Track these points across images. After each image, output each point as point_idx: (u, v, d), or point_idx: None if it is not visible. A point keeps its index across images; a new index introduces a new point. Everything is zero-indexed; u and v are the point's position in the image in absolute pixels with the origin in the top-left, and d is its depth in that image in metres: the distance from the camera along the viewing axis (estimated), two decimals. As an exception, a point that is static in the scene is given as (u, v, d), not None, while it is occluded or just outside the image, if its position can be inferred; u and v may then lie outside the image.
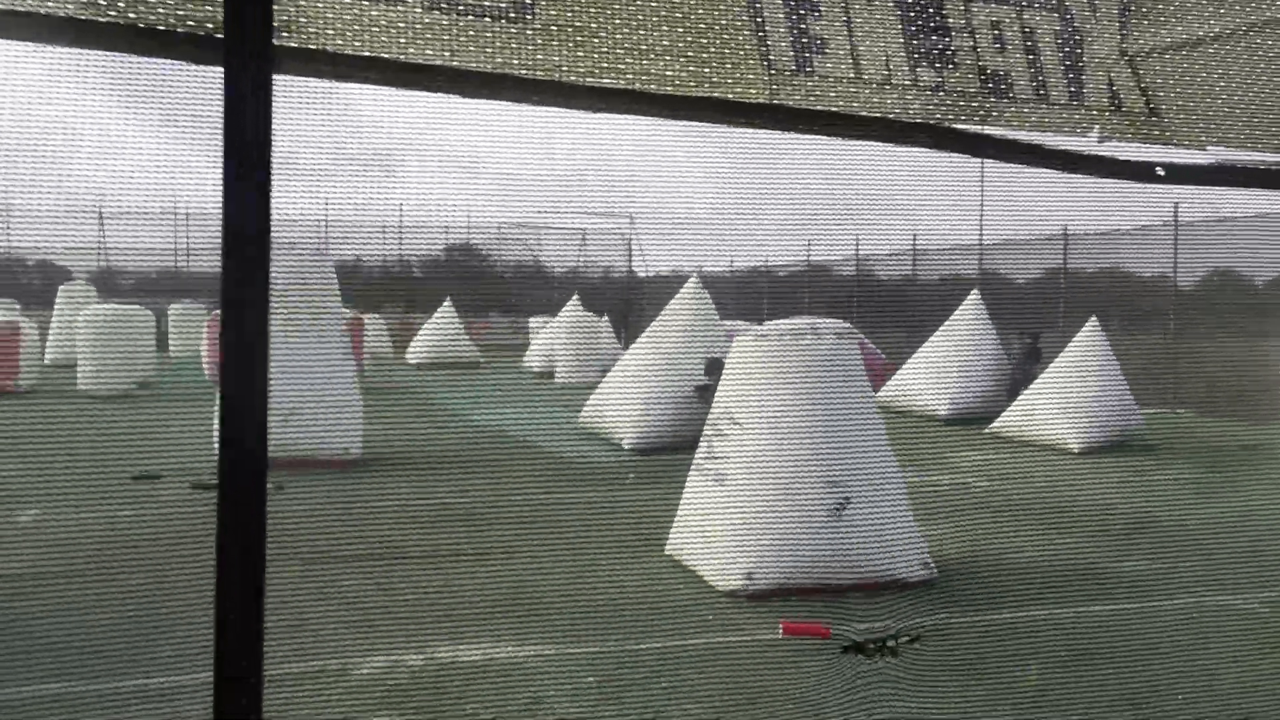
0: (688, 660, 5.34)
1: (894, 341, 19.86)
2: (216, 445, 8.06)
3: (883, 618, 6.01)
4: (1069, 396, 13.16)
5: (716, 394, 7.34)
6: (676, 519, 7.25)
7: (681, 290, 13.65)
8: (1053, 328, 17.71)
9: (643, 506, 9.29)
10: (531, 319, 30.04)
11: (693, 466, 7.21)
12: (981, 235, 21.66)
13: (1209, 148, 2.58)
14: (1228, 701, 4.89)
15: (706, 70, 2.14)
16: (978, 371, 16.31)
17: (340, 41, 2.02)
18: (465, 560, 7.19)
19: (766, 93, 2.19)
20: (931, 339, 17.43)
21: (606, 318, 25.73)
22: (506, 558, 7.30)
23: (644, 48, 2.10)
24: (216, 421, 8.23)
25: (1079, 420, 12.94)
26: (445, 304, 26.47)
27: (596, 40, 2.08)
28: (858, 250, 25.72)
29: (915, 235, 23.74)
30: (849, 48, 2.23)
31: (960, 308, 17.29)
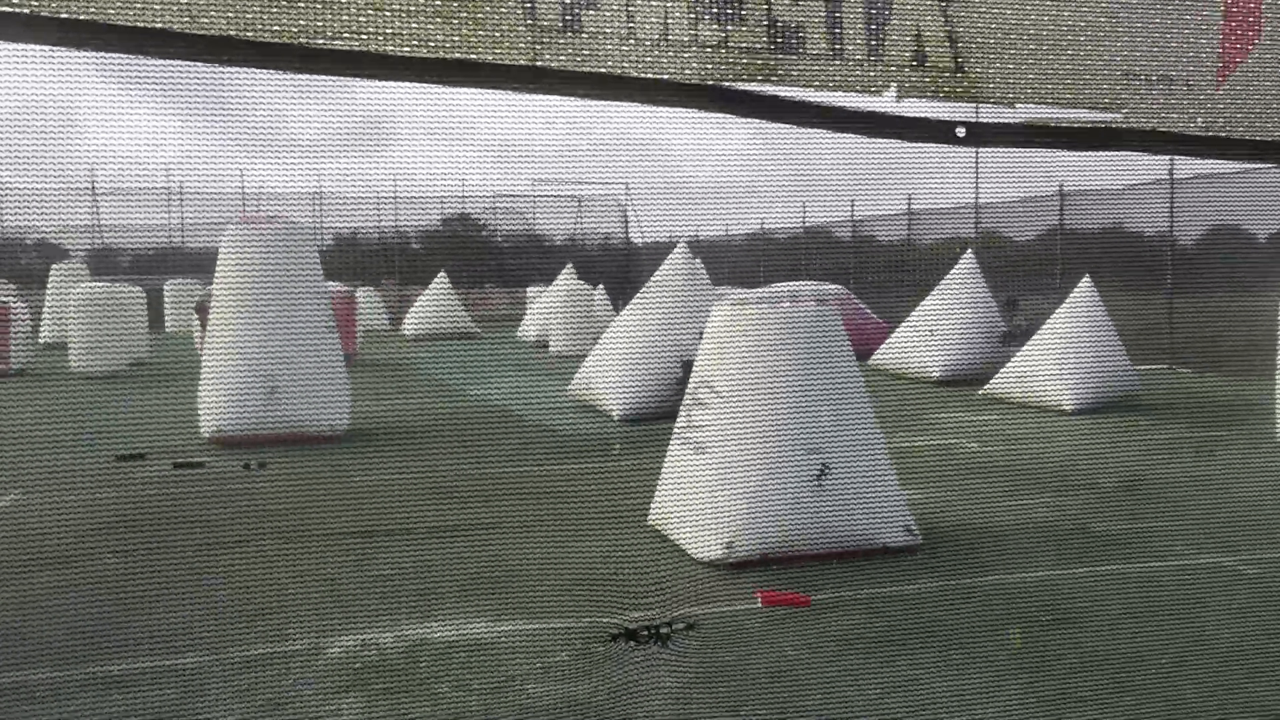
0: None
1: (892, 304, 19.74)
2: (201, 424, 8.01)
3: (860, 586, 5.94)
4: (1062, 356, 13.04)
5: (695, 362, 7.23)
6: (658, 489, 7.17)
7: (670, 256, 13.50)
8: (1049, 288, 17.58)
9: (629, 477, 9.21)
10: (529, 289, 29.91)
11: (673, 436, 7.12)
12: (977, 196, 21.48)
13: (1017, 105, 2.40)
14: (1219, 662, 4.82)
15: (465, 30, 1.99)
16: (971, 333, 16.18)
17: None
18: (446, 536, 7.13)
19: (530, 54, 2.04)
20: (925, 301, 17.30)
21: (601, 287, 25.59)
22: (487, 532, 7.23)
23: (396, 6, 1.95)
24: (201, 399, 8.14)
25: (1072, 380, 12.83)
26: (440, 276, 26.34)
27: (343, 1, 1.94)
28: (853, 213, 25.55)
29: (910, 197, 23.57)
30: (623, 2, 2.07)
31: (954, 269, 17.14)
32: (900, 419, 11.94)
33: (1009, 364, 14.26)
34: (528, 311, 26.93)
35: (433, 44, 1.98)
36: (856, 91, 2.24)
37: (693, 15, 2.09)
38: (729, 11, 2.10)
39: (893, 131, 2.40)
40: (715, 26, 2.11)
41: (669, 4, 2.08)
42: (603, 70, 2.06)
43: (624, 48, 2.05)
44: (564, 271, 25.00)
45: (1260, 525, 7.19)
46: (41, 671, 4.70)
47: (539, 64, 2.05)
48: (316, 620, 5.44)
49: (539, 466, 9.71)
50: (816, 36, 2.18)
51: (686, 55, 2.09)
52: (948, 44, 2.27)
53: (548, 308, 23.08)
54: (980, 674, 4.68)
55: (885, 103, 2.28)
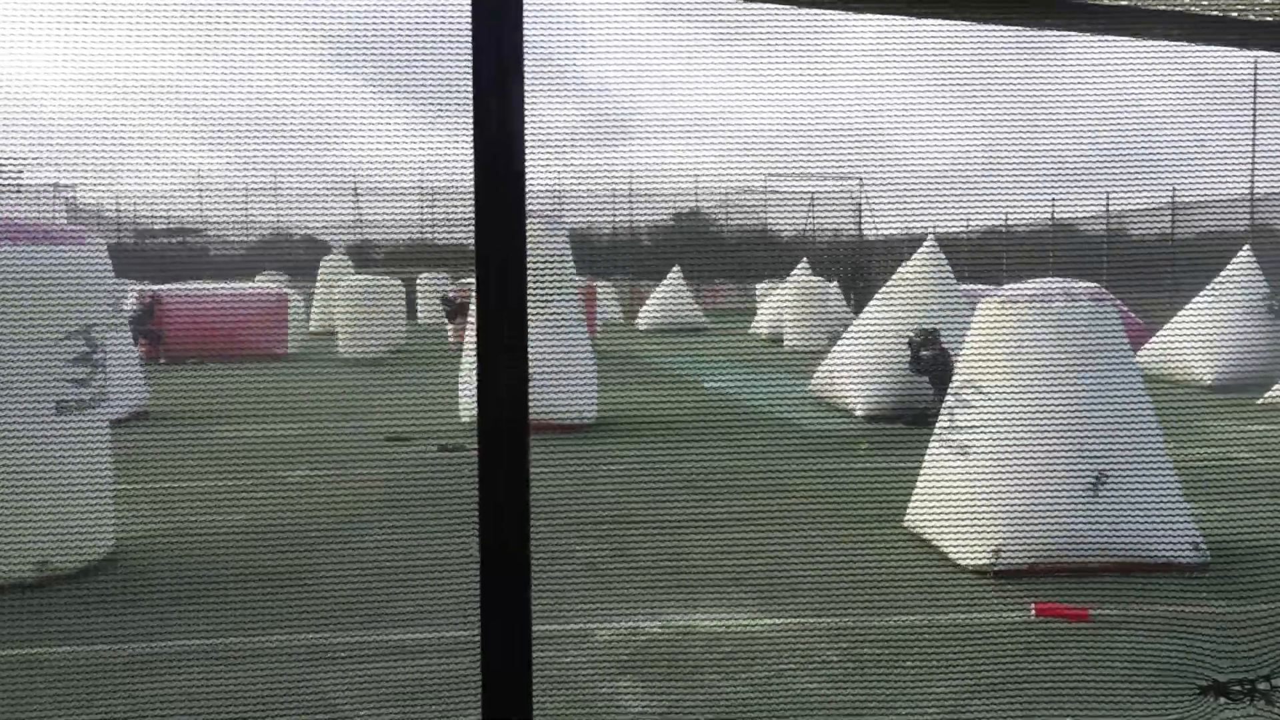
0: (935, 638, 5.13)
1: (1149, 303, 18.45)
2: (461, 409, 8.42)
3: (1144, 604, 5.58)
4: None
5: (958, 361, 6.99)
6: (916, 491, 6.98)
7: (916, 253, 13.14)
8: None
9: (877, 477, 9.03)
10: (758, 284, 29.85)
11: (934, 437, 6.92)
12: (1253, 186, 19.76)
13: None
14: None
15: None
16: (1249, 335, 14.89)
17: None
18: (700, 527, 7.21)
19: None
20: (1195, 300, 16.07)
21: (835, 282, 25.25)
22: (741, 525, 7.26)
23: None
24: (461, 387, 8.58)
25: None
26: (674, 270, 26.70)
27: None
28: (1108, 206, 24.03)
29: (1174, 189, 21.93)
30: None
31: (1229, 265, 15.84)
32: (1170, 427, 11.14)
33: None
34: (759, 306, 26.89)
35: None
36: None
37: None
38: None
39: None
40: None
41: None
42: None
43: None
44: (798, 266, 24.80)
45: None
46: (340, 635, 5.07)
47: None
48: (584, 603, 5.61)
49: (785, 462, 9.67)
50: None
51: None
52: None
53: (781, 302, 22.97)
54: (1294, 707, 4.30)
55: None
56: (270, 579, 5.93)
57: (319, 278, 25.17)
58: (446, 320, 19.94)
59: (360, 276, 20.33)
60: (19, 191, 5.73)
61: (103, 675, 4.59)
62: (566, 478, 8.92)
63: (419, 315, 27.71)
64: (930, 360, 11.56)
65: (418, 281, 28.58)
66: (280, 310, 19.29)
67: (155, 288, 17.59)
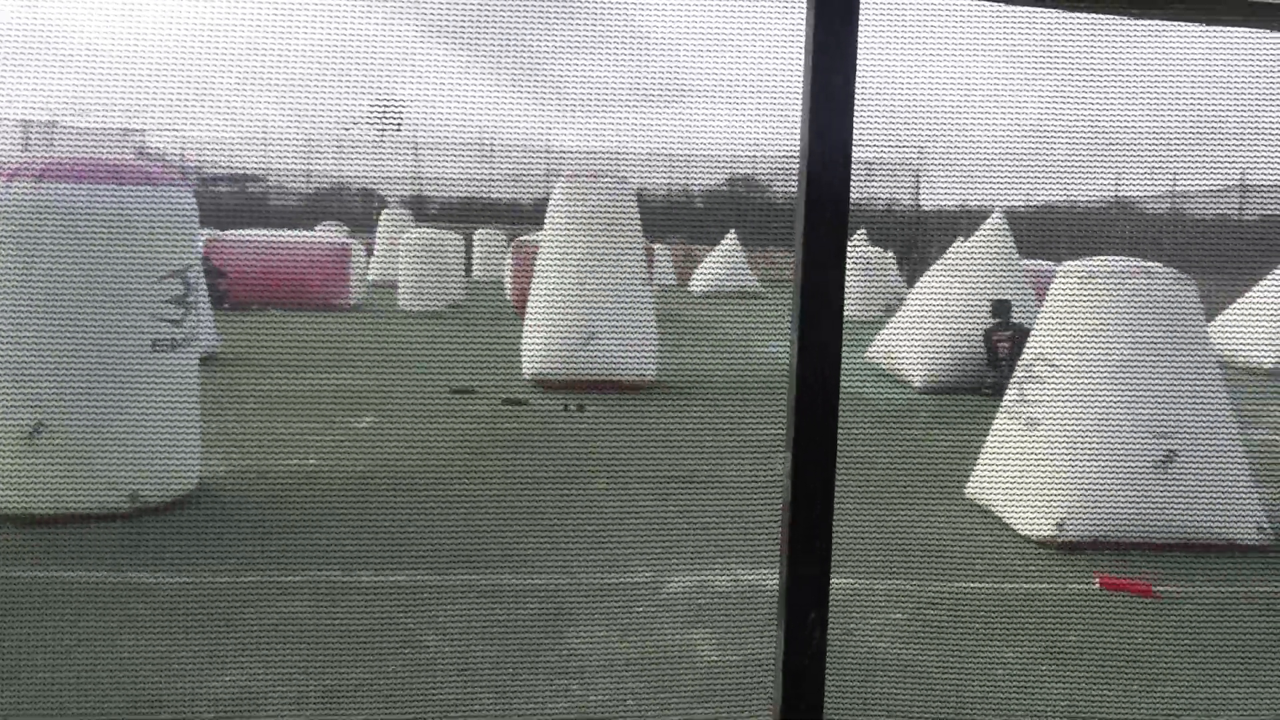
0: (999, 605, 5.23)
1: (1211, 285, 18.16)
2: (524, 365, 8.58)
3: (1208, 582, 5.63)
4: None
5: (1031, 334, 7.02)
6: (980, 462, 7.05)
7: (983, 226, 13.07)
8: None
9: (936, 447, 9.09)
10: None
11: (1001, 409, 6.97)
12: (1329, 169, 19.30)
13: None
14: None
15: None
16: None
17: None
18: (762, 488, 7.32)
19: None
20: (1262, 283, 15.82)
21: (891, 253, 25.08)
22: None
23: None
24: (525, 344, 8.73)
25: None
26: (730, 235, 26.65)
27: None
28: (1174, 186, 23.60)
29: (1244, 170, 21.49)
30: None
31: (1300, 250, 15.54)
32: (1238, 410, 11.06)
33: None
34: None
35: None
36: None
37: None
38: None
39: None
40: None
41: None
42: None
43: None
44: (856, 235, 24.64)
45: None
46: (422, 575, 5.27)
47: None
48: (653, 557, 5.77)
49: (843, 429, 9.73)
50: None
51: None
52: None
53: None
54: (1360, 688, 4.36)
55: None
56: (357, 520, 6.15)
57: (378, 231, 25.44)
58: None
59: (422, 230, 20.54)
60: (90, 136, 5.93)
61: (212, 602, 4.83)
62: (630, 434, 9.08)
63: (474, 271, 27.94)
64: (1007, 351, 11.59)
65: (474, 237, 28.78)
66: (343, 261, 19.56)
67: (214, 233, 17.79)
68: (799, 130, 1.96)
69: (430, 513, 6.33)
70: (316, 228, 24.40)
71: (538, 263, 11.63)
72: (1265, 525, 6.22)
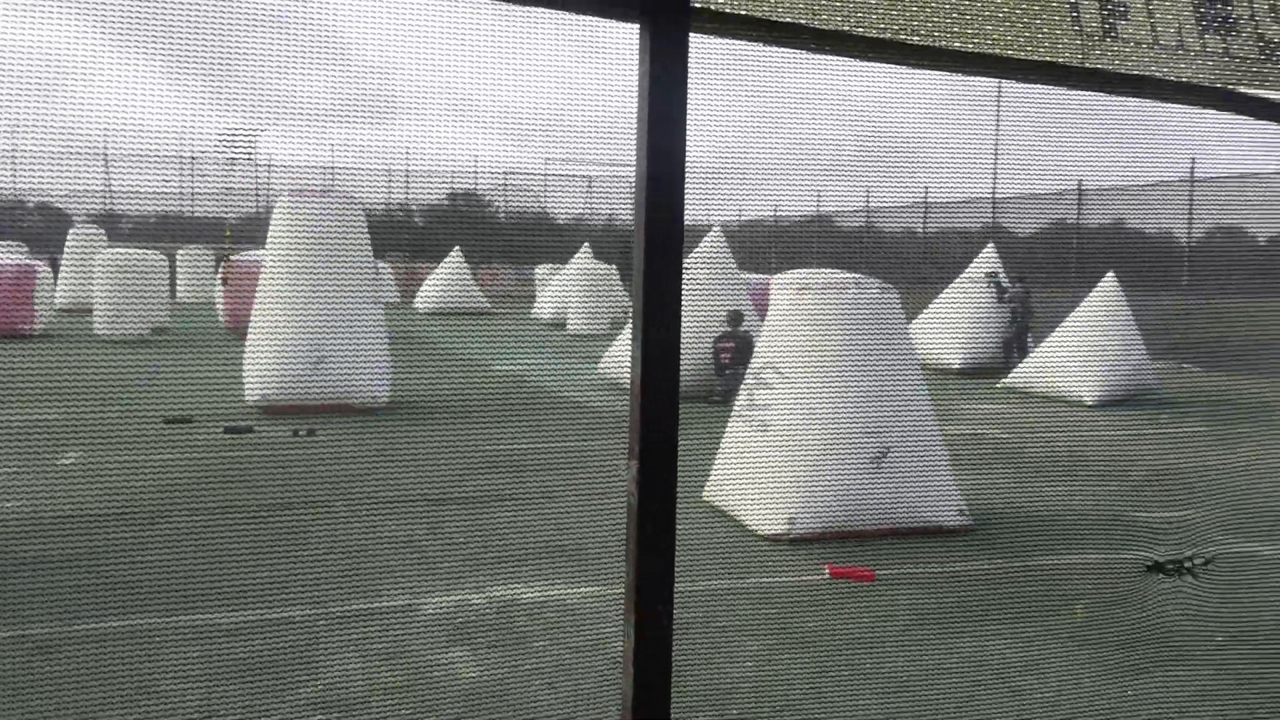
0: (741, 600, 5.51)
1: (904, 293, 19.94)
2: (246, 390, 8.22)
3: (920, 563, 6.19)
4: (1084, 350, 13.30)
5: (757, 343, 7.45)
6: (715, 466, 7.39)
7: (702, 241, 13.71)
8: (1064, 283, 17.82)
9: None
10: (539, 268, 30.02)
11: (733, 414, 7.35)
12: (995, 189, 21.67)
13: None
14: (1260, 643, 5.07)
15: (1028, 34, 2.26)
16: (992, 325, 16.44)
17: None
18: (509, 504, 7.35)
19: (1079, 55, 2.33)
20: (945, 292, 17.54)
21: (615, 267, 25.77)
22: (548, 501, 7.45)
23: (975, 11, 2.20)
24: (247, 367, 8.37)
25: (1093, 374, 13.10)
26: (455, 252, 26.46)
27: (934, 5, 2.18)
28: (868, 202, 25.72)
29: (927, 188, 23.77)
30: (1146, 14, 2.35)
31: (975, 261, 17.38)
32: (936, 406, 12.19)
33: (1029, 357, 14.53)
34: (540, 290, 27.07)
35: (1003, 43, 2.25)
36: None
37: (1200, 26, 2.38)
38: (1228, 24, 2.40)
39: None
40: (1217, 38, 2.40)
41: (1181, 16, 2.36)
42: (1136, 72, 2.35)
43: (1150, 53, 2.34)
44: (581, 251, 25.15)
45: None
46: (143, 618, 4.91)
47: (1087, 65, 2.35)
48: (406, 580, 5.66)
49: (582, 441, 9.93)
50: None
51: (1198, 62, 2.38)
52: None
53: (565, 286, 23.24)
54: (1047, 646, 4.93)
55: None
56: (71, 565, 5.62)
57: (67, 250, 23.33)
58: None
59: (122, 249, 19.04)
60: None
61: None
62: (367, 458, 8.83)
63: (179, 292, 26.19)
64: (729, 360, 12.20)
65: (179, 256, 27.01)
66: (26, 284, 17.81)
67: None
68: (613, 152, 2.05)
69: (155, 550, 5.90)
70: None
71: (260, 283, 11.08)
72: (965, 509, 6.91)
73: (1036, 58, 2.29)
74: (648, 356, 2.02)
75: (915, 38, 2.20)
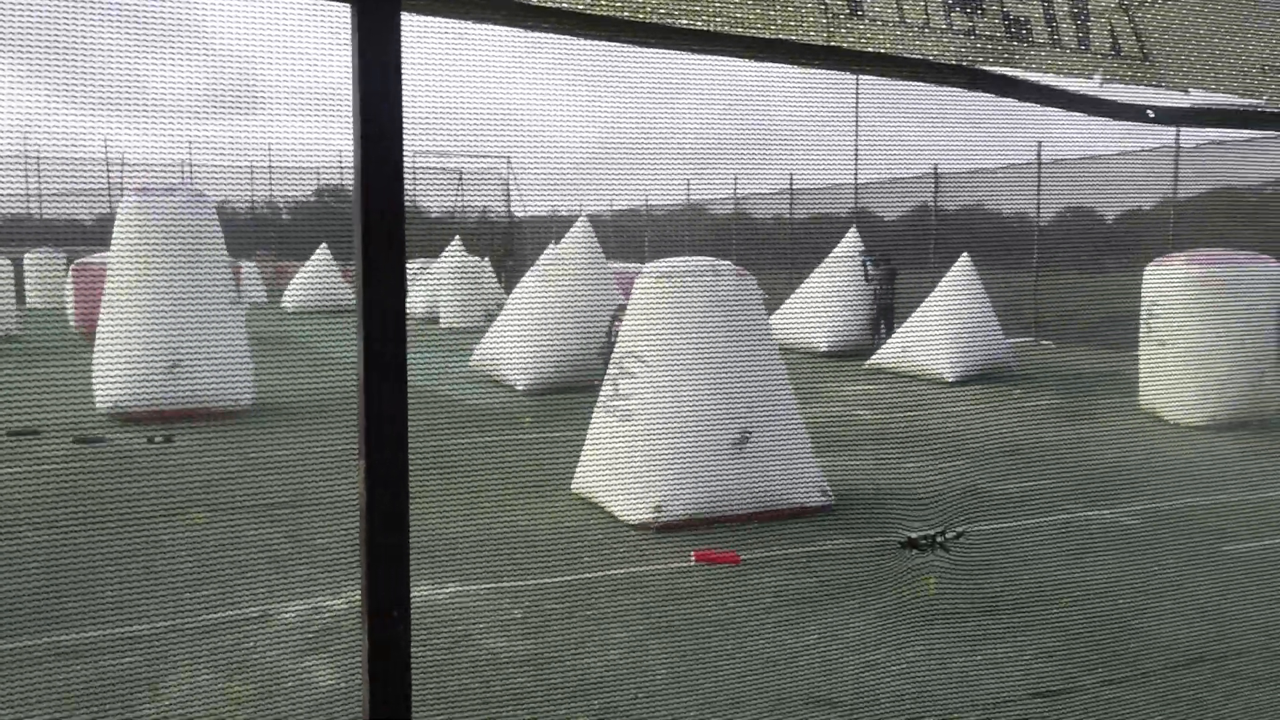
0: (610, 590, 5.54)
1: (773, 278, 20.33)
2: (97, 398, 7.88)
3: (784, 544, 6.31)
4: (943, 329, 13.77)
5: (620, 333, 7.48)
6: (583, 457, 7.40)
7: (570, 231, 13.68)
8: (923, 263, 18.41)
9: (543, 447, 9.41)
10: (408, 264, 29.47)
11: (598, 405, 7.36)
12: (856, 175, 22.23)
13: (1190, 91, 2.87)
14: (1109, 601, 5.34)
15: (773, 13, 2.26)
16: (857, 307, 16.87)
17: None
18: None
19: (825, 34, 2.35)
20: (811, 276, 17.91)
21: (488, 260, 25.53)
22: (414, 502, 7.33)
23: None
24: (96, 375, 8.00)
25: (952, 352, 13.56)
26: (322, 249, 25.82)
27: None
28: (736, 190, 26.10)
29: (792, 176, 24.24)
30: None
31: (839, 245, 17.79)
32: (795, 389, 12.45)
33: (893, 337, 14.97)
34: (411, 286, 26.60)
35: (759, 26, 2.22)
36: (1073, 76, 2.62)
37: (947, 5, 2.42)
38: (973, 4, 2.45)
39: (1104, 112, 2.83)
40: (963, 16, 2.44)
41: None
42: (883, 50, 2.36)
43: (897, 32, 2.35)
44: (451, 244, 24.81)
45: (1132, 482, 7.88)
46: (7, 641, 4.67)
47: (832, 44, 2.35)
48: (263, 587, 5.51)
49: (451, 439, 9.81)
50: (1039, 29, 2.54)
51: (945, 40, 2.41)
52: (1134, 38, 2.64)
53: (436, 281, 22.90)
54: (902, 619, 5.10)
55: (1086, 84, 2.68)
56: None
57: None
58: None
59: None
60: None
61: None
62: (225, 464, 8.55)
63: (28, 298, 24.93)
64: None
65: (25, 261, 25.69)
66: None
67: None
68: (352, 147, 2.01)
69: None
70: None
71: (106, 285, 10.60)
72: (827, 489, 7.07)
73: (783, 36, 2.33)
74: (371, 351, 1.98)
75: (641, 15, 2.20)
